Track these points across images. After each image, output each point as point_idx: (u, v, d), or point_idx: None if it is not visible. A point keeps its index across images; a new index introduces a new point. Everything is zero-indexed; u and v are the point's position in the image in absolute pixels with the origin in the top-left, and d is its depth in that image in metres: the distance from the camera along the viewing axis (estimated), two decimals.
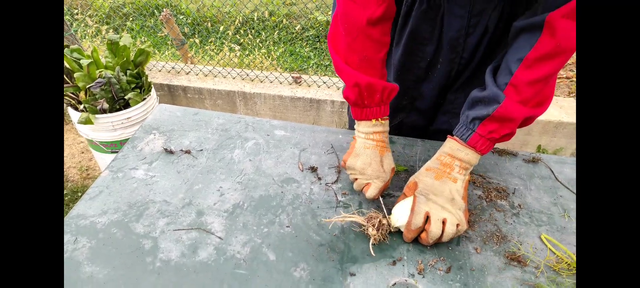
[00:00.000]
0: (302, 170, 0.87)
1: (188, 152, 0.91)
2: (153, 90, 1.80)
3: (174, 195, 0.80)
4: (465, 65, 0.87)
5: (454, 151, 0.73)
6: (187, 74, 2.48)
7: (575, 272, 0.67)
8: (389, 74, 0.98)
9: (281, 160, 0.90)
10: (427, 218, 0.69)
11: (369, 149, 0.78)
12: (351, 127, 1.17)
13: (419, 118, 1.02)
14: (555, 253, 0.71)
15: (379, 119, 0.78)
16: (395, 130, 1.05)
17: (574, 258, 0.69)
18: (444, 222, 0.69)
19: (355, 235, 0.73)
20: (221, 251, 0.69)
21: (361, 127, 0.79)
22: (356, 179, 0.79)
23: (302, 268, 0.67)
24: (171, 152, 0.91)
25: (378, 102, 0.76)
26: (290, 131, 0.99)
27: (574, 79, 3.19)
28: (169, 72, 2.50)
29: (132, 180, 0.83)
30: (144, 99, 1.68)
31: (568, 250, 0.71)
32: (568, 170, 0.90)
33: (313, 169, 0.88)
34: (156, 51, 3.16)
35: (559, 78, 3.24)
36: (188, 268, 0.66)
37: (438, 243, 0.72)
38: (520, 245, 0.72)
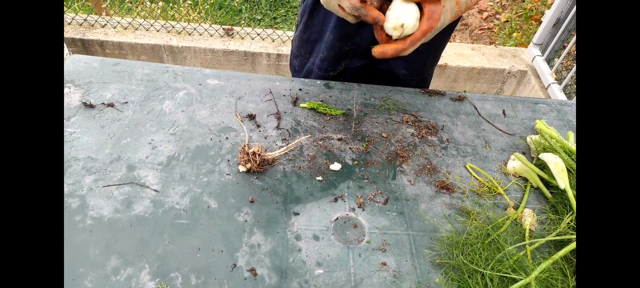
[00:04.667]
0: (242, 121, 0.85)
1: (111, 105, 0.83)
2: (64, 45, 1.60)
3: (99, 150, 0.73)
4: None
5: None
6: (103, 26, 2.23)
7: (494, 194, 0.76)
8: (330, 21, 0.97)
9: (217, 109, 0.87)
10: None
11: None
12: (295, 74, 1.15)
13: (362, 61, 1.03)
14: (478, 179, 0.78)
15: None
16: (341, 75, 1.05)
17: (494, 182, 0.77)
18: None
19: (297, 177, 0.74)
20: (159, 203, 0.66)
21: None
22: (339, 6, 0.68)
23: (246, 212, 0.67)
24: (91, 106, 0.82)
25: None
26: (224, 80, 0.95)
27: (495, 30, 3.43)
28: (80, 24, 2.23)
29: None
30: None
31: (489, 175, 0.79)
32: (489, 106, 0.99)
33: (251, 117, 0.86)
34: None
35: (482, 29, 3.47)
36: (123, 222, 0.62)
37: (376, 179, 0.76)
38: (449, 174, 0.79)
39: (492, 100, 1.01)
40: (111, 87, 0.88)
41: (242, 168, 0.73)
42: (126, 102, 0.85)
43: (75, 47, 2.16)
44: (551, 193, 0.75)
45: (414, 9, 0.65)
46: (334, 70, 1.05)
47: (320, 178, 0.74)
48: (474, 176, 0.79)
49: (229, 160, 0.75)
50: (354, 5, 0.64)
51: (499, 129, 0.92)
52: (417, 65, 1.06)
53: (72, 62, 0.93)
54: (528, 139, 0.88)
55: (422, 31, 0.66)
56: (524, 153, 0.85)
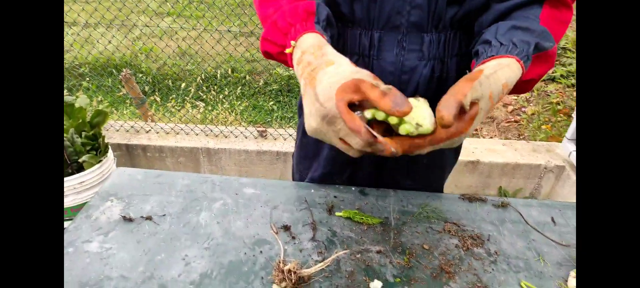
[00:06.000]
0: (277, 233, 0.83)
1: (149, 218, 0.84)
2: (110, 151, 1.71)
3: (132, 268, 0.72)
4: None
5: (511, 80, 0.61)
6: (147, 132, 2.39)
7: None
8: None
9: (252, 220, 0.86)
10: None
11: (305, 95, 0.60)
12: (295, 177, 1.13)
13: (370, 170, 1.01)
14: None
15: (292, 43, 0.65)
16: (348, 181, 1.03)
17: None
18: None
19: None
20: None
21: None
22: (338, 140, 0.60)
23: None
24: (130, 220, 0.83)
25: (285, 31, 0.67)
26: (260, 188, 0.96)
27: (522, 123, 3.42)
28: (127, 131, 2.40)
29: (85, 255, 0.75)
30: (100, 160, 1.58)
31: None
32: (535, 213, 0.93)
33: (286, 228, 0.84)
34: (114, 110, 3.06)
35: (508, 122, 3.47)
36: None
37: None
38: None
39: (537, 206, 0.95)
40: (151, 199, 0.90)
41: None
42: (164, 215, 0.86)
43: (120, 151, 2.31)
44: None
45: (426, 108, 0.58)
46: (338, 180, 1.02)
47: None
48: None
49: (262, 278, 0.72)
50: (367, 141, 0.54)
51: (552, 240, 0.85)
52: (423, 174, 1.03)
53: (118, 175, 0.97)
54: None
55: (448, 133, 0.56)
56: None
